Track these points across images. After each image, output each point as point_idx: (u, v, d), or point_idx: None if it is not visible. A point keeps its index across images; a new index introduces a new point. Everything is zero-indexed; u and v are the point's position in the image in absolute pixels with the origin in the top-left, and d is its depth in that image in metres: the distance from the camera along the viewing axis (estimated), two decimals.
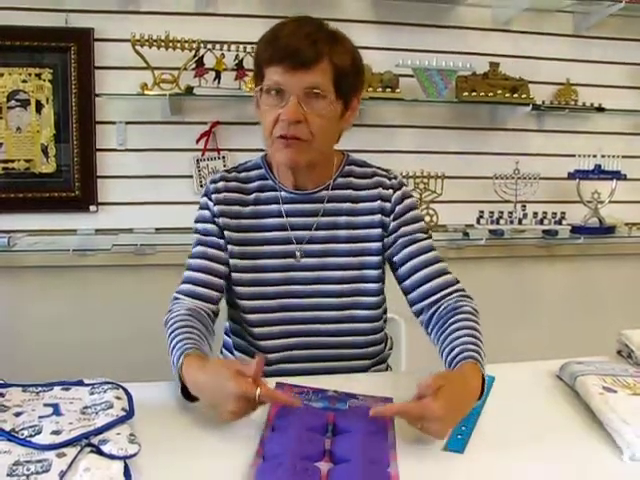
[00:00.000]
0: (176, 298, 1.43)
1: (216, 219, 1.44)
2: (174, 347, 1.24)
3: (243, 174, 1.48)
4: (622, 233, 2.86)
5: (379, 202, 1.45)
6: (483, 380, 1.15)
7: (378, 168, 1.50)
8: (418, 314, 1.45)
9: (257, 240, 1.43)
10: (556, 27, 2.81)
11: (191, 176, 2.58)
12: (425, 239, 1.45)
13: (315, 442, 1.00)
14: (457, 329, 1.28)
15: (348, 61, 1.32)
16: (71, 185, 2.48)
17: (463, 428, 1.09)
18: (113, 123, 2.49)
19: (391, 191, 1.45)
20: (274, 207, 1.44)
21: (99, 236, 2.50)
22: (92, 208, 2.51)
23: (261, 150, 2.54)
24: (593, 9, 2.73)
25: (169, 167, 2.55)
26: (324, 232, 1.43)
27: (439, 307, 1.39)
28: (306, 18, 1.34)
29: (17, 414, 1.01)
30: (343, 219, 1.44)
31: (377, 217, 1.44)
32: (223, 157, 2.58)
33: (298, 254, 1.42)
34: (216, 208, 1.44)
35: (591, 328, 2.69)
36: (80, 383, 1.15)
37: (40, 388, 1.13)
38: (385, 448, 1.00)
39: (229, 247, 1.43)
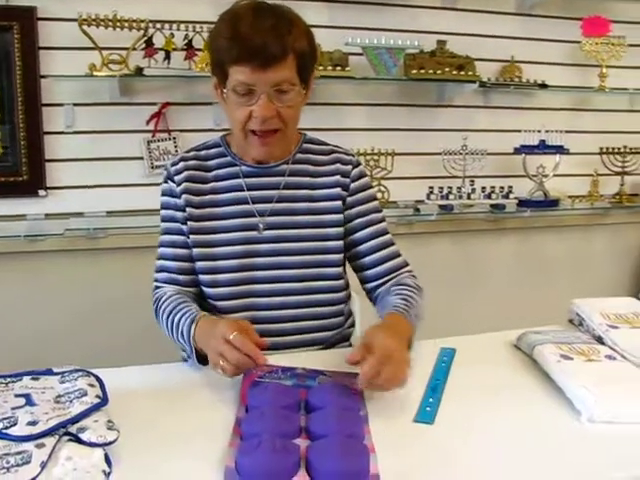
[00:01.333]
0: (157, 287, 1.46)
1: (178, 201, 1.45)
2: (179, 320, 1.31)
3: (203, 152, 1.50)
4: (566, 205, 2.96)
5: (337, 177, 1.49)
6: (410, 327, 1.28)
7: (335, 146, 1.55)
8: (369, 291, 1.53)
9: (218, 215, 1.45)
10: (500, 5, 2.86)
11: (142, 158, 2.53)
12: (381, 221, 1.52)
13: (291, 420, 1.02)
14: (396, 297, 1.38)
15: (306, 44, 1.35)
16: (18, 169, 2.40)
17: (431, 400, 1.14)
18: (61, 105, 2.41)
19: (350, 167, 1.51)
20: (235, 182, 1.46)
21: (49, 221, 2.44)
22: (41, 192, 2.44)
23: (212, 130, 2.53)
24: None
25: (119, 149, 2.50)
26: (285, 204, 1.46)
27: (387, 284, 1.47)
28: (261, 7, 1.33)
29: None
30: (303, 192, 1.47)
31: (336, 190, 1.48)
32: (174, 138, 2.55)
33: (261, 226, 1.44)
34: (179, 188, 1.45)
35: (540, 297, 2.80)
36: (49, 372, 1.13)
37: (8, 379, 1.10)
38: (359, 422, 1.03)
39: (189, 223, 1.44)
